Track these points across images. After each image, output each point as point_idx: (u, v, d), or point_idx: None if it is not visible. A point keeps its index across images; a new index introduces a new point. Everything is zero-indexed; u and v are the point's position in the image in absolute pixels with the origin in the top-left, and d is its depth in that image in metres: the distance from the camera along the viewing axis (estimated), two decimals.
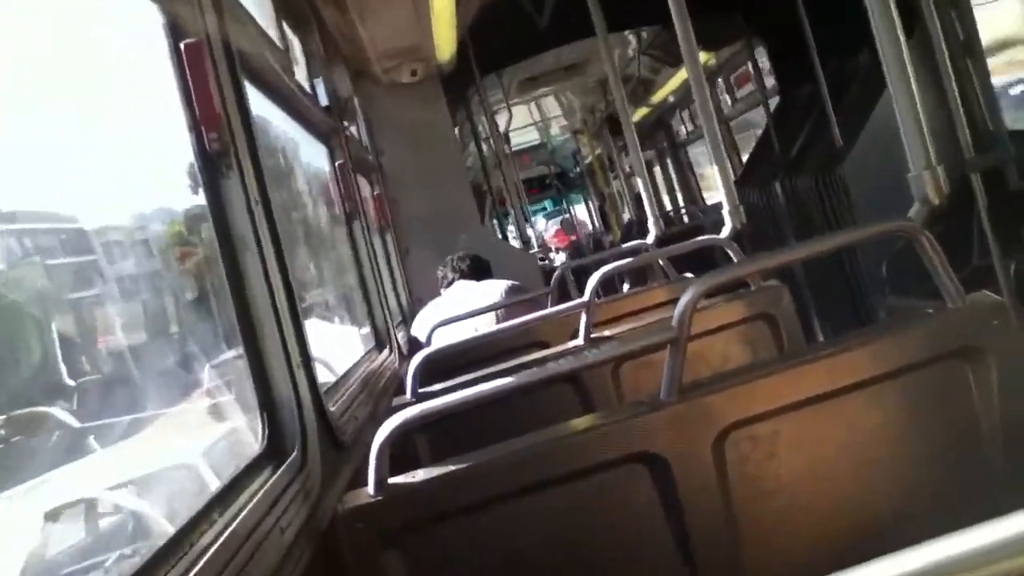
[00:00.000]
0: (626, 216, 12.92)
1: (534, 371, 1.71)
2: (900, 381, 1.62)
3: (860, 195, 4.68)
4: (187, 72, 1.75)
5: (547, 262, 7.62)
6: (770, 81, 6.85)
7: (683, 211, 11.05)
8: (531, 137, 12.89)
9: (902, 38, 1.80)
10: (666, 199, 11.85)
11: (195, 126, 1.76)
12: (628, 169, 12.15)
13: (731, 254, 2.78)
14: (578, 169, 16.15)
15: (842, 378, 1.61)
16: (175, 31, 1.78)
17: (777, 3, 5.41)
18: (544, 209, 19.81)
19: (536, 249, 8.16)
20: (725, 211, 2.80)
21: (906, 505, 1.63)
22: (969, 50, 4.16)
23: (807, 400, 1.60)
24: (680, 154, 11.15)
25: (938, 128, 3.95)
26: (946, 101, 3.91)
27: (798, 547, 1.61)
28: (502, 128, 7.95)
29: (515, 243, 9.45)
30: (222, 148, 1.77)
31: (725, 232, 2.84)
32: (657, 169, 11.92)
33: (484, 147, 7.13)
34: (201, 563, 1.12)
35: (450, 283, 3.97)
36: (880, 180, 4.46)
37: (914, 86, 1.77)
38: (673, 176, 11.52)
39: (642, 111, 10.24)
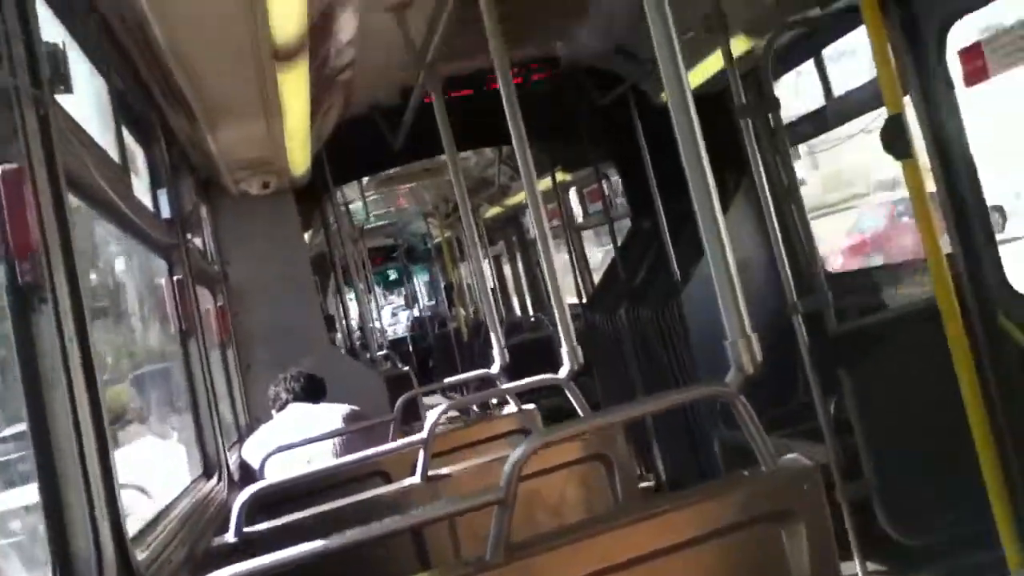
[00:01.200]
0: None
1: (368, 528, 1.66)
2: (720, 542, 1.66)
3: (696, 326, 4.93)
4: (1, 198, 1.65)
5: (389, 364, 7.50)
6: (622, 201, 7.18)
7: (532, 314, 11.20)
8: (382, 216, 12.95)
9: (719, 213, 1.90)
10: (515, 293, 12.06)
11: (7, 256, 1.65)
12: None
13: (570, 396, 2.83)
14: (427, 247, 16.34)
15: (665, 539, 1.64)
16: None
17: (624, 136, 5.75)
18: (387, 278, 19.77)
19: (379, 346, 8.06)
20: (563, 351, 2.87)
21: None
22: (789, 194, 4.51)
23: (631, 561, 1.62)
24: (530, 251, 11.39)
25: (765, 269, 4.25)
26: (770, 244, 4.21)
27: None
28: (358, 220, 7.95)
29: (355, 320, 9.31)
30: (35, 280, 1.66)
31: (563, 372, 2.90)
32: (508, 267, 12.12)
33: (333, 225, 7.11)
34: None
35: (283, 404, 3.84)
36: (712, 315, 4.73)
37: (730, 256, 1.87)
38: (523, 276, 11.76)
39: (496, 209, 10.53)
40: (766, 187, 4.28)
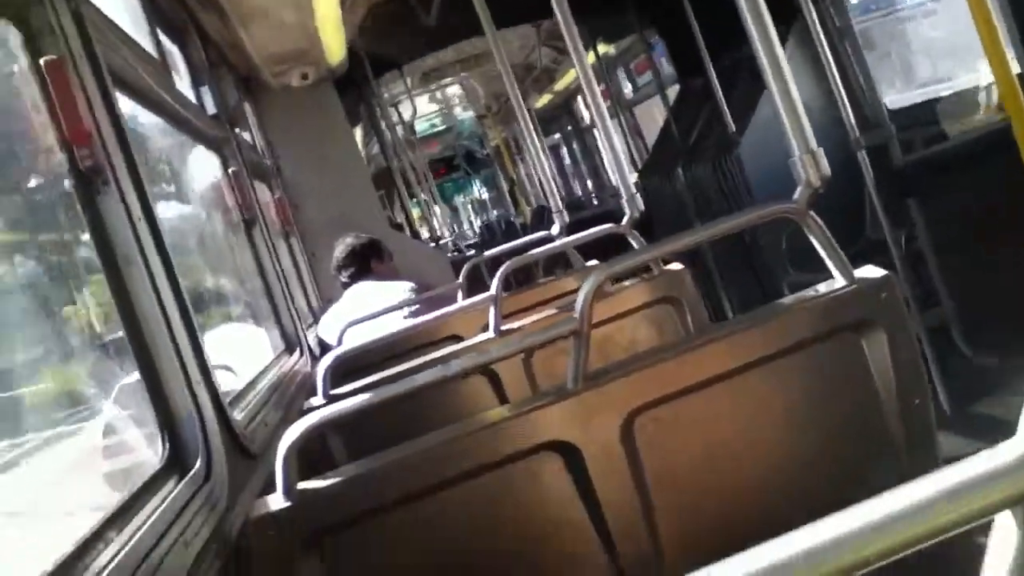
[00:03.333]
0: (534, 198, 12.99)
1: (444, 366, 1.70)
2: (797, 358, 1.67)
3: (755, 177, 4.83)
4: (51, 89, 1.67)
5: (457, 252, 7.58)
6: (671, 69, 6.99)
7: (594, 196, 11.18)
8: (437, 122, 12.83)
9: (771, 29, 1.83)
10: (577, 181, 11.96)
11: (65, 144, 1.68)
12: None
13: (632, 241, 2.82)
14: (485, 151, 16.19)
15: (741, 357, 1.65)
16: (33, 48, 1.69)
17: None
18: (452, 188, 19.79)
19: (448, 237, 8.09)
20: (624, 200, 2.84)
21: (811, 477, 1.68)
22: (844, 36, 4.36)
23: (709, 380, 1.64)
24: (586, 138, 11.27)
25: (824, 112, 4.12)
26: (828, 86, 4.06)
27: (710, 524, 1.64)
28: (407, 118, 7.89)
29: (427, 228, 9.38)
30: (96, 165, 1.69)
31: (625, 220, 2.88)
32: (566, 152, 12.01)
33: (389, 135, 7.03)
34: None
35: (346, 284, 3.91)
36: (772, 162, 4.62)
37: (788, 75, 1.81)
38: (580, 159, 11.65)
39: (546, 97, 10.32)
40: (819, 30, 4.10)
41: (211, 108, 3.53)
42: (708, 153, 5.55)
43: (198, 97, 3.49)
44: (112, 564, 1.18)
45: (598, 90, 2.95)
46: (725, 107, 5.19)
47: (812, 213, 1.64)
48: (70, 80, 1.67)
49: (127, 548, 1.23)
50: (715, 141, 5.54)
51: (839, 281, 1.66)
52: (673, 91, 6.96)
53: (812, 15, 4.02)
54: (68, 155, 1.68)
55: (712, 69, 5.31)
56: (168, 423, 1.69)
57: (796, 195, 1.68)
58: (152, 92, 2.47)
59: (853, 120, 3.90)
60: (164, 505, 1.43)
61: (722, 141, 5.30)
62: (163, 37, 3.09)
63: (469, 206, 22.69)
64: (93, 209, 1.71)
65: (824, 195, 1.69)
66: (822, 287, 1.71)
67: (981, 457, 0.56)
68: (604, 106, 2.95)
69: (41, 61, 1.65)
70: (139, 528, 1.32)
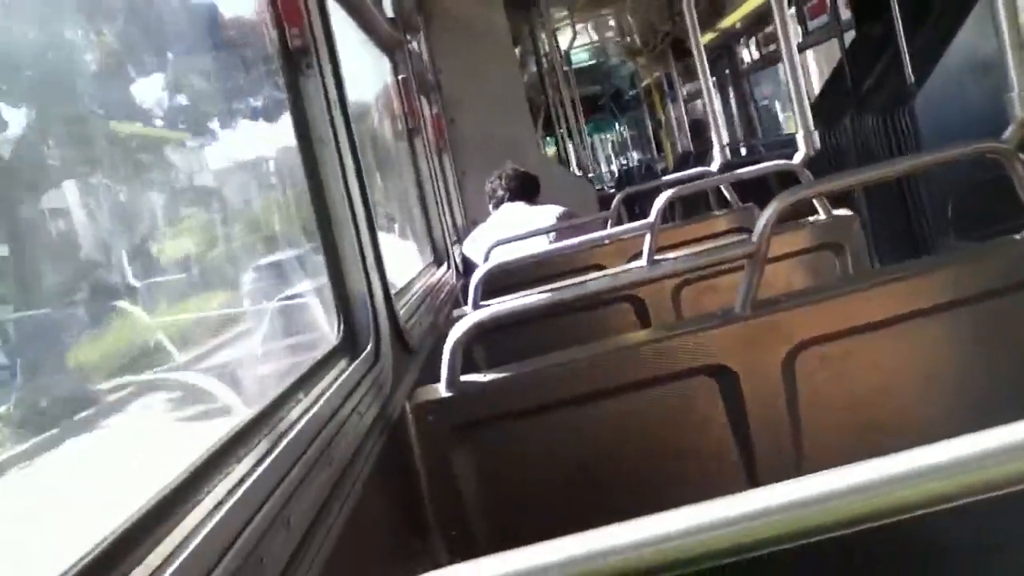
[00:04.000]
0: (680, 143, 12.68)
1: (600, 282, 1.72)
2: (969, 311, 1.60)
3: (930, 134, 4.54)
4: None
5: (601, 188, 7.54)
6: (846, 14, 6.60)
7: (741, 144, 10.82)
8: (588, 56, 12.61)
9: None
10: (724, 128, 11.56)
11: (278, 22, 1.76)
12: (685, 95, 11.90)
13: (803, 180, 2.73)
14: (634, 92, 15.81)
15: (913, 303, 1.59)
16: None
17: None
18: (594, 127, 19.52)
19: (593, 173, 8.03)
20: (799, 136, 2.75)
21: (972, 429, 1.62)
22: None
23: (878, 323, 1.60)
24: (743, 83, 10.86)
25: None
26: None
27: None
28: (564, 46, 7.78)
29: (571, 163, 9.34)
30: (303, 46, 1.77)
31: (798, 158, 2.78)
32: (717, 98, 11.60)
33: (544, 63, 6.98)
34: (290, 436, 1.16)
35: (500, 201, 3.95)
36: (954, 118, 4.33)
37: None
38: (734, 106, 11.26)
39: (708, 36, 9.96)
40: None
41: (389, 11, 3.60)
42: (880, 104, 5.25)
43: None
44: (302, 421, 1.27)
45: (787, 17, 2.83)
46: (906, 54, 4.87)
47: (1021, 155, 1.55)
48: None
49: (314, 409, 1.33)
50: (889, 92, 5.23)
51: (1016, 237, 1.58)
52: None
53: None
54: (279, 33, 1.76)
55: (898, 12, 4.98)
56: (344, 305, 1.79)
57: (1007, 134, 1.58)
58: None
59: None
60: (341, 379, 1.53)
61: (898, 92, 5.00)
62: None
63: (609, 145, 22.34)
64: (296, 89, 1.79)
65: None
66: (1004, 240, 1.62)
67: None
68: (793, 37, 2.85)
69: None
70: (321, 395, 1.41)
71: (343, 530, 1.22)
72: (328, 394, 1.39)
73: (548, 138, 10.17)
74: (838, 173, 1.70)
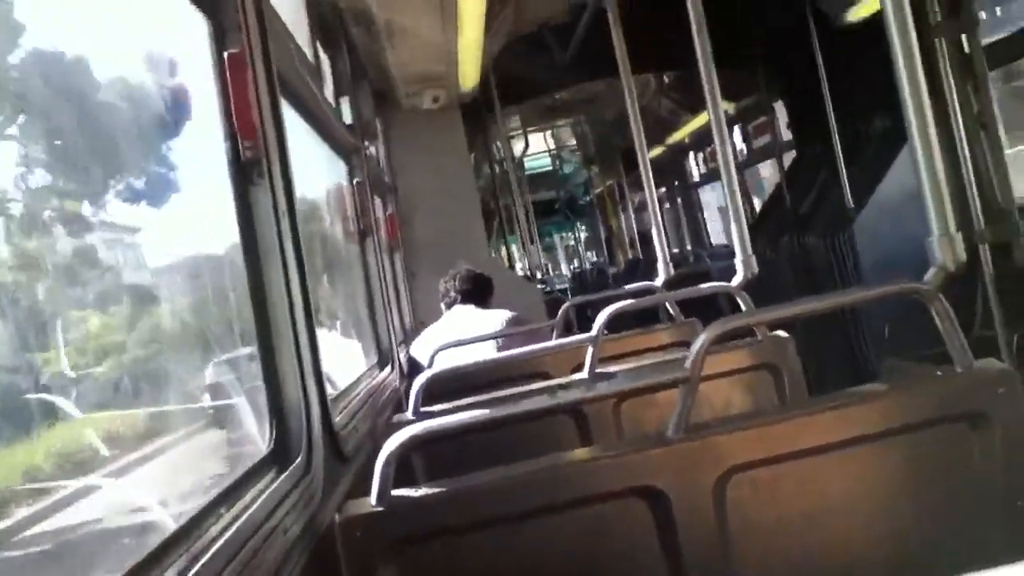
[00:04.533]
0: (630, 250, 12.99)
1: (539, 399, 1.74)
2: (902, 440, 1.64)
3: (868, 257, 4.73)
4: (228, 81, 1.80)
5: (547, 288, 7.66)
6: (787, 134, 6.94)
7: (690, 253, 11.12)
8: (544, 163, 12.99)
9: (927, 101, 1.85)
10: (672, 238, 11.90)
11: (231, 134, 1.81)
12: (635, 204, 12.26)
13: (741, 303, 2.82)
14: (588, 198, 16.25)
15: (846, 431, 1.63)
16: (219, 41, 1.83)
17: (798, 62, 5.52)
18: (552, 231, 19.95)
19: (543, 277, 8.14)
20: (738, 260, 2.84)
21: (900, 562, 1.64)
22: (982, 123, 4.24)
23: (811, 450, 1.63)
24: (691, 195, 11.25)
25: (950, 197, 4.01)
26: (959, 172, 3.97)
27: None
28: (517, 154, 8.05)
29: (521, 266, 9.44)
30: (255, 157, 1.81)
31: (736, 280, 2.88)
32: (665, 207, 12.01)
33: (497, 169, 7.18)
34: (208, 554, 1.14)
35: (452, 302, 3.99)
36: (889, 243, 4.53)
37: (937, 152, 1.81)
38: (682, 217, 11.61)
39: (656, 150, 10.36)
40: (958, 113, 4.02)
41: (347, 118, 3.69)
42: (820, 225, 5.47)
43: (337, 106, 3.66)
44: (223, 538, 1.24)
45: (729, 145, 2.97)
46: (846, 179, 5.12)
47: (942, 297, 1.63)
48: (247, 74, 1.80)
49: (235, 526, 1.30)
50: (829, 214, 5.46)
51: (956, 368, 1.64)
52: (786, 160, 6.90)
53: (952, 95, 3.95)
54: (231, 145, 1.80)
55: (838, 138, 5.26)
56: (278, 413, 1.77)
57: (928, 276, 1.66)
58: (306, 96, 2.61)
59: (980, 212, 3.80)
60: (269, 491, 1.50)
61: (837, 214, 5.23)
62: (319, 46, 3.27)
63: (562, 251, 22.76)
64: (245, 199, 1.82)
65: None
66: (936, 373, 1.68)
67: None
68: (733, 162, 2.98)
69: (225, 54, 1.78)
70: (245, 509, 1.38)
71: None
72: (253, 508, 1.37)
73: (510, 237, 10.37)
74: (772, 306, 1.76)
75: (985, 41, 4.19)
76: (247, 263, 1.82)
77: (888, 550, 1.67)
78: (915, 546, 1.67)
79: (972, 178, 3.95)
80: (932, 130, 1.70)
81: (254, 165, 1.82)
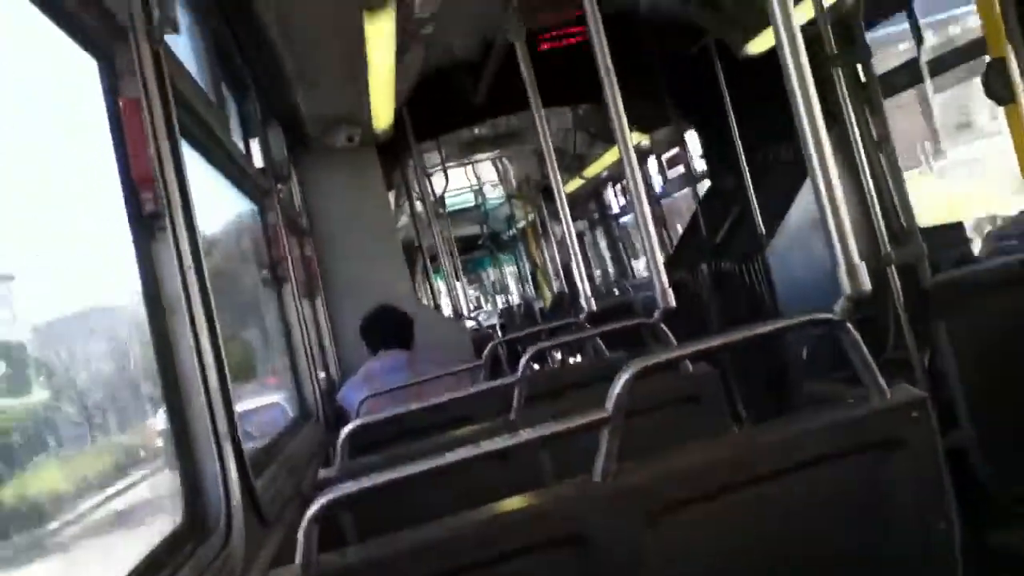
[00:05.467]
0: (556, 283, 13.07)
1: (464, 449, 1.69)
2: (822, 469, 1.65)
3: (781, 280, 4.85)
4: (124, 128, 1.72)
5: (476, 324, 7.61)
6: (702, 164, 7.10)
7: (613, 284, 11.24)
8: (466, 199, 13.01)
9: (823, 132, 1.89)
10: (596, 268, 12.05)
11: (130, 185, 1.72)
12: (559, 237, 12.36)
13: (660, 336, 2.83)
14: (512, 232, 16.32)
15: (771, 463, 1.64)
16: (112, 85, 1.75)
17: (706, 92, 5.66)
18: (478, 266, 19.94)
19: (468, 312, 8.09)
20: (656, 293, 2.87)
21: None
22: (882, 148, 4.41)
23: (735, 485, 1.63)
24: (612, 226, 11.39)
25: (855, 222, 4.15)
26: (862, 196, 4.11)
27: None
28: (438, 191, 8.06)
29: (446, 303, 9.34)
30: (156, 209, 1.73)
31: (656, 315, 2.90)
32: (588, 238, 12.15)
33: (418, 206, 7.14)
34: None
35: (375, 346, 3.92)
36: (799, 268, 4.65)
37: (836, 184, 1.85)
38: (604, 247, 11.75)
39: (576, 182, 10.49)
40: (857, 139, 4.17)
41: (258, 161, 3.61)
42: (734, 253, 5.60)
43: (247, 149, 3.57)
44: None
45: (639, 178, 3.00)
46: (756, 207, 5.26)
47: (850, 325, 1.66)
48: (143, 122, 1.72)
49: None
50: (743, 240, 5.59)
51: (870, 397, 1.67)
52: (700, 188, 7.07)
53: (852, 121, 4.09)
54: (130, 196, 1.72)
55: (746, 168, 5.40)
56: (191, 483, 1.68)
57: (837, 306, 1.69)
58: (211, 140, 2.53)
59: (886, 235, 3.93)
60: (185, 569, 1.42)
61: (750, 242, 5.35)
62: (224, 88, 3.19)
63: (490, 285, 22.78)
64: (145, 253, 1.74)
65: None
66: (851, 401, 1.71)
67: None
68: (644, 195, 3.01)
69: (120, 99, 1.70)
70: None
71: None
72: None
73: (435, 275, 10.30)
74: (691, 341, 1.77)
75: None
76: (151, 322, 1.73)
77: None
78: (842, 571, 1.69)
79: (876, 202, 4.09)
80: (831, 163, 1.75)
81: (155, 218, 1.74)
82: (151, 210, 1.72)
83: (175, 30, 2.10)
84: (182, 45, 2.42)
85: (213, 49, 3.04)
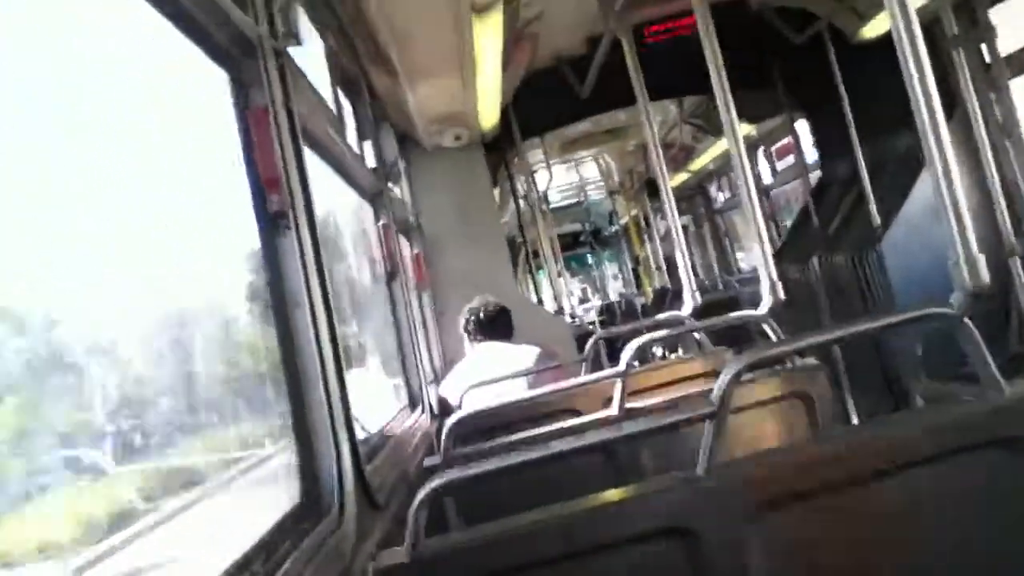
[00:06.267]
0: (658, 279, 12.94)
1: (568, 440, 1.74)
2: (937, 469, 1.61)
3: (897, 274, 4.68)
4: (252, 135, 1.84)
5: (576, 320, 7.64)
6: (812, 154, 6.90)
7: (718, 279, 11.04)
8: (568, 195, 13.05)
9: (942, 121, 1.84)
10: (700, 264, 11.86)
11: (257, 188, 1.84)
12: (662, 232, 12.21)
13: (769, 331, 2.80)
14: (614, 228, 16.22)
15: (881, 461, 1.61)
16: (241, 95, 1.87)
17: (818, 81, 5.50)
18: (576, 263, 19.92)
19: (572, 308, 8.11)
20: (764, 287, 2.83)
21: None
22: (1007, 131, 4.18)
23: (846, 481, 1.61)
24: (717, 221, 11.20)
25: (977, 211, 3.98)
26: (985, 183, 3.93)
27: None
28: (542, 188, 8.11)
29: (548, 299, 9.38)
30: (282, 209, 1.84)
31: (763, 308, 2.86)
32: (692, 232, 11.98)
33: (522, 203, 7.23)
34: None
35: (475, 339, 4.00)
36: (917, 261, 4.47)
37: (955, 174, 1.80)
38: (709, 243, 11.55)
39: (681, 176, 10.35)
40: (980, 124, 3.98)
41: (371, 161, 3.75)
42: (847, 245, 5.43)
43: (360, 151, 3.72)
44: None
45: (749, 170, 2.96)
46: (872, 197, 5.08)
47: (968, 320, 1.61)
48: (270, 129, 1.84)
49: None
50: (856, 232, 5.41)
51: (988, 394, 1.62)
52: (812, 179, 6.87)
53: (975, 106, 3.91)
54: (258, 196, 1.84)
55: (862, 157, 5.23)
56: (308, 467, 1.78)
57: (953, 299, 1.65)
58: (328, 143, 2.66)
59: (1009, 225, 3.76)
60: (301, 546, 1.51)
61: (865, 234, 5.18)
62: (340, 93, 3.34)
63: (593, 282, 22.72)
64: (272, 250, 1.86)
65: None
66: (967, 399, 1.66)
67: None
68: (754, 187, 2.97)
69: (248, 109, 1.82)
70: (278, 565, 1.39)
71: None
72: (287, 565, 1.38)
73: (538, 272, 10.38)
74: (799, 335, 1.75)
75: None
76: (275, 314, 1.85)
77: None
78: (953, 572, 1.64)
79: (1000, 190, 3.91)
80: (949, 151, 1.70)
81: (281, 216, 1.85)
82: (277, 209, 1.83)
83: (298, 42, 2.24)
84: (302, 53, 2.56)
85: (330, 56, 3.18)
